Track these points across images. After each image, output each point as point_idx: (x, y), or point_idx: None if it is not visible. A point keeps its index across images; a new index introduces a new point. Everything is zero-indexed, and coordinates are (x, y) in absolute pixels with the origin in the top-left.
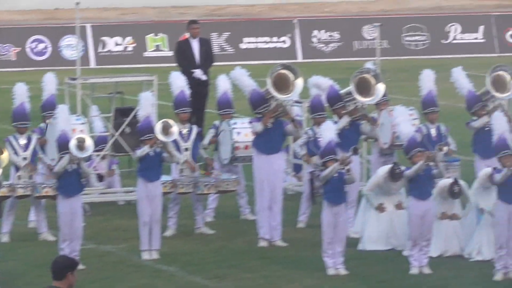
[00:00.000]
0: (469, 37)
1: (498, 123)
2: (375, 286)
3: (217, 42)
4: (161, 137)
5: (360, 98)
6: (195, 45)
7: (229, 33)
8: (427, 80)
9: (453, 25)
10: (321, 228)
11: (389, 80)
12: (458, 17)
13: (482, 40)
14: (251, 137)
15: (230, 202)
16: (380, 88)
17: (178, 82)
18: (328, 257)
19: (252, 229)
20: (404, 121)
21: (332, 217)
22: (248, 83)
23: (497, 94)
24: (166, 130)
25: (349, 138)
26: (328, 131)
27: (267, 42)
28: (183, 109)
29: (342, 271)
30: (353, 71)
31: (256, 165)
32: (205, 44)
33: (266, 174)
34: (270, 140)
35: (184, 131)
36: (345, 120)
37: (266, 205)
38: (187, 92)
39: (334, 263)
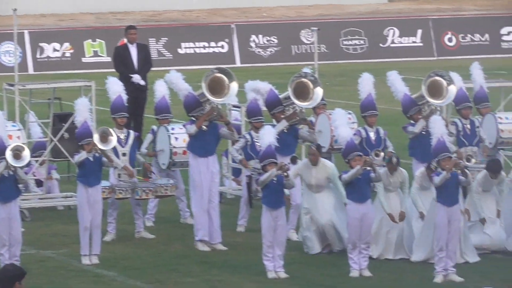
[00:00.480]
0: (407, 41)
1: (436, 126)
2: None
3: (155, 47)
4: (100, 145)
5: (299, 102)
6: (133, 50)
7: (167, 38)
8: (366, 84)
9: (391, 29)
10: (261, 232)
11: (327, 84)
12: (396, 21)
13: (420, 44)
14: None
15: (170, 207)
16: (319, 92)
17: (115, 87)
18: (268, 260)
19: (192, 233)
20: (342, 125)
21: (271, 220)
22: (183, 87)
23: (432, 100)
24: (105, 138)
25: (287, 142)
26: (268, 135)
27: (205, 47)
28: (120, 113)
29: (282, 275)
30: (291, 75)
31: (192, 168)
32: (143, 50)
33: (202, 177)
34: (204, 143)
35: (122, 136)
36: (283, 124)
37: (203, 207)
38: (124, 97)
39: (274, 267)
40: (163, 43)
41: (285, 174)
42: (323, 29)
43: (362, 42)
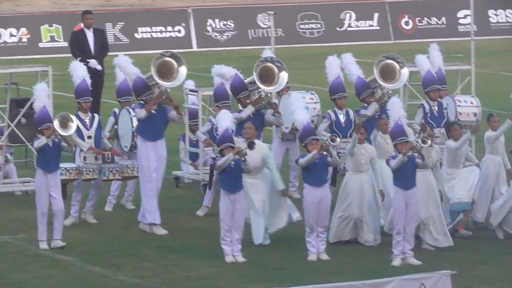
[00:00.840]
0: (364, 25)
1: (394, 109)
2: (273, 273)
3: (112, 32)
4: (60, 130)
5: (264, 87)
6: (90, 35)
7: (123, 23)
8: (333, 67)
9: (348, 12)
10: (219, 216)
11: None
12: (352, 5)
13: (377, 28)
14: None
15: (124, 192)
16: (284, 76)
17: (79, 71)
18: (226, 244)
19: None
20: (299, 108)
21: (229, 204)
22: (132, 71)
23: (384, 84)
24: (65, 123)
25: (255, 126)
26: (224, 120)
27: (162, 32)
28: (85, 98)
29: (240, 259)
30: (248, 59)
31: (140, 152)
32: (100, 34)
33: (149, 161)
34: (153, 127)
35: (87, 119)
36: (249, 110)
37: (152, 191)
38: (88, 80)
39: (232, 251)
40: (120, 27)
41: (243, 158)
42: (279, 13)
43: (318, 26)
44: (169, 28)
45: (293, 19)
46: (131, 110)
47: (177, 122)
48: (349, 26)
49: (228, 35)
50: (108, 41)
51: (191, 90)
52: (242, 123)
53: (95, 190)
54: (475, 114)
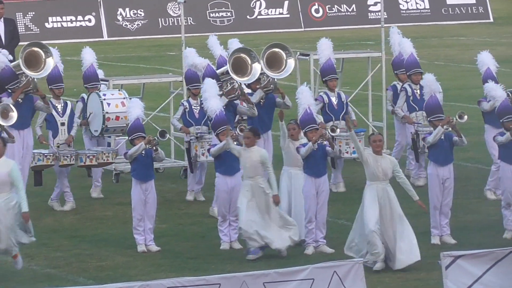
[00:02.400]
0: (274, 13)
1: (303, 97)
2: (187, 262)
3: (22, 22)
4: (1, 121)
5: (237, 78)
6: (0, 25)
7: (34, 12)
8: (325, 48)
9: (258, 1)
10: (131, 205)
11: None
12: None
13: (287, 16)
14: (121, 108)
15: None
16: (257, 67)
17: (55, 59)
18: (138, 234)
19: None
20: (212, 96)
21: (141, 194)
22: (1, 59)
23: (269, 72)
24: (5, 114)
25: (227, 118)
26: (135, 109)
27: (72, 21)
28: (57, 84)
29: (153, 248)
30: (158, 48)
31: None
32: (10, 24)
33: (15, 149)
34: (20, 115)
35: (59, 106)
36: (222, 100)
37: None
38: (61, 67)
39: (145, 240)
40: (30, 17)
41: (154, 148)
42: (189, 1)
43: (229, 14)
44: (80, 18)
45: (203, 7)
46: (101, 94)
47: (44, 111)
48: (259, 14)
49: (138, 24)
50: (19, 31)
51: (102, 80)
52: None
53: (60, 178)
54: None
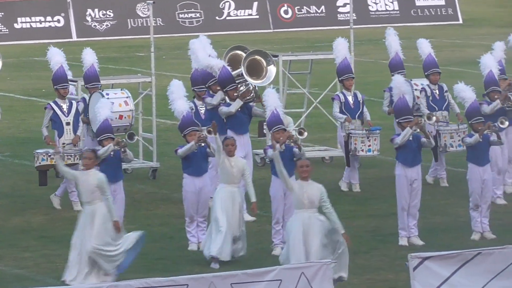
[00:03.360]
0: (243, 14)
1: (270, 99)
2: (155, 263)
3: None
4: None
5: (252, 80)
6: None
7: (2, 13)
8: (342, 48)
9: (227, 2)
10: None
11: (164, 57)
12: None
13: (256, 16)
14: (124, 107)
15: (8, 181)
16: (272, 70)
17: (57, 58)
18: None
19: (31, 207)
20: (179, 98)
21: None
22: None
23: (251, 80)
24: None
25: (242, 120)
26: (104, 109)
27: (41, 22)
28: (62, 84)
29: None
30: (128, 49)
31: None
32: None
33: None
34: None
35: (64, 106)
36: (238, 103)
37: None
38: (66, 67)
39: None
40: None
41: (123, 149)
42: (158, 2)
43: (198, 15)
44: (49, 18)
45: (172, 8)
46: (103, 93)
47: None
48: (229, 15)
49: (107, 25)
50: None
51: (70, 80)
52: (231, 117)
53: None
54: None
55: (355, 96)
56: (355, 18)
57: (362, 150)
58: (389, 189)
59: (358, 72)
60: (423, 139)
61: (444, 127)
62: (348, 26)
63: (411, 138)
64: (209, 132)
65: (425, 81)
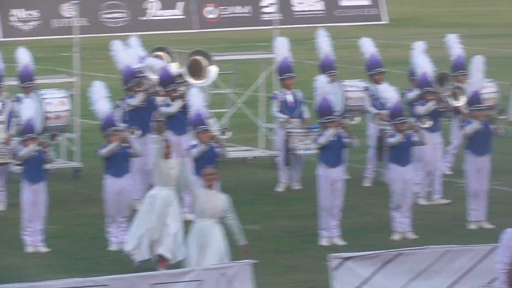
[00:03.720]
0: (168, 14)
1: (195, 99)
2: (76, 263)
3: None
4: None
5: (193, 80)
6: None
7: None
8: (281, 47)
9: (152, 2)
10: (21, 206)
11: (89, 57)
12: None
13: (181, 16)
14: (61, 107)
15: None
16: (212, 70)
17: None
18: (27, 235)
19: None
20: (100, 98)
21: (32, 195)
22: None
23: (192, 80)
24: None
25: (182, 121)
26: (27, 110)
27: None
28: None
29: (42, 249)
30: (54, 49)
31: None
32: None
33: None
34: None
35: None
36: (178, 104)
37: None
38: (1, 66)
39: (34, 241)
40: None
41: (45, 150)
42: (83, 2)
43: (123, 15)
44: None
45: (97, 8)
46: (39, 94)
47: None
48: (153, 15)
49: (32, 25)
50: None
51: None
52: (170, 118)
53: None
54: (363, 99)
55: (294, 95)
56: (279, 18)
57: (301, 149)
58: (311, 189)
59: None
60: (346, 139)
61: (296, 129)
62: (272, 26)
63: (334, 138)
64: (131, 132)
65: (357, 83)
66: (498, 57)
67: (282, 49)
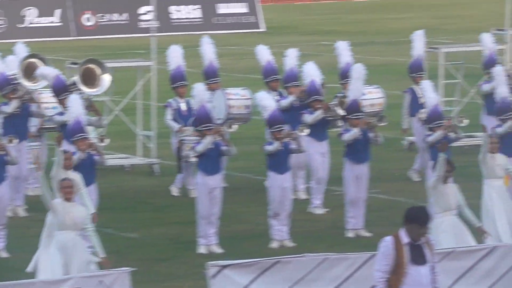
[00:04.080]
0: (45, 21)
1: (74, 106)
2: None
3: None
4: None
5: (86, 89)
6: None
7: None
8: (174, 56)
9: (30, 9)
10: None
11: None
12: (34, 1)
13: (58, 24)
14: None
15: None
16: (106, 78)
17: None
18: None
19: None
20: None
21: None
22: None
23: (85, 89)
24: None
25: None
26: None
27: None
28: None
29: None
30: None
31: None
32: None
33: None
34: None
35: None
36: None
37: None
38: None
39: None
40: None
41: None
42: None
43: (1, 22)
44: None
45: None
46: None
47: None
48: (31, 22)
49: None
50: None
51: None
52: (64, 126)
53: None
54: (246, 107)
55: (187, 103)
56: (157, 25)
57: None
58: (190, 197)
59: (160, 79)
60: (224, 147)
61: (189, 136)
62: (150, 34)
63: (212, 146)
64: (9, 141)
65: (240, 90)
66: (376, 64)
67: (174, 57)
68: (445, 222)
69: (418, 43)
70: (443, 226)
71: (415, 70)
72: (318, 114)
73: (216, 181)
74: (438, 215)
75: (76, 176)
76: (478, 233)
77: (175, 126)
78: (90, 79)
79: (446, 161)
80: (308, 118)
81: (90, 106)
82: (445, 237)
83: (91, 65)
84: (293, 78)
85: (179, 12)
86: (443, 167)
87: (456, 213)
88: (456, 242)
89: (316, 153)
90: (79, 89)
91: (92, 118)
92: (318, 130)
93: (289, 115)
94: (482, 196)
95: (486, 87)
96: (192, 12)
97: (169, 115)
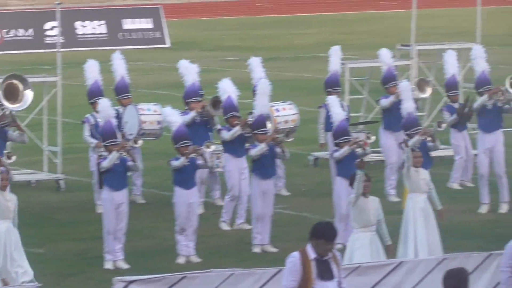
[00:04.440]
0: None
1: None
2: None
3: None
4: None
5: (8, 104)
6: None
7: None
8: (91, 71)
9: None
10: None
11: None
12: None
13: None
14: None
15: None
16: (28, 94)
17: None
18: None
19: None
20: None
21: None
22: None
23: (8, 104)
24: None
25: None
26: None
27: None
28: None
29: None
30: None
31: None
32: None
33: None
34: None
35: None
36: None
37: None
38: None
39: None
40: None
41: None
42: None
43: None
44: None
45: None
46: None
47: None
48: None
49: None
50: None
51: None
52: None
53: None
54: (158, 122)
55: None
56: (62, 41)
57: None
58: (96, 212)
59: (66, 95)
60: (130, 163)
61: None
62: (55, 49)
63: (118, 162)
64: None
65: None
66: (282, 80)
67: (92, 72)
68: (362, 239)
69: (335, 58)
70: (358, 243)
71: (331, 85)
72: (236, 130)
73: (122, 196)
74: (356, 231)
75: (12, 197)
76: (387, 251)
77: (93, 141)
78: (12, 94)
79: (364, 178)
80: (226, 134)
81: (13, 121)
82: (361, 253)
83: (14, 81)
84: (194, 93)
85: (84, 28)
86: (361, 184)
87: (375, 229)
88: (371, 259)
89: (234, 170)
90: (2, 104)
91: (13, 133)
92: (236, 146)
93: (192, 131)
94: (404, 210)
95: (384, 102)
96: (97, 28)
97: (86, 131)
